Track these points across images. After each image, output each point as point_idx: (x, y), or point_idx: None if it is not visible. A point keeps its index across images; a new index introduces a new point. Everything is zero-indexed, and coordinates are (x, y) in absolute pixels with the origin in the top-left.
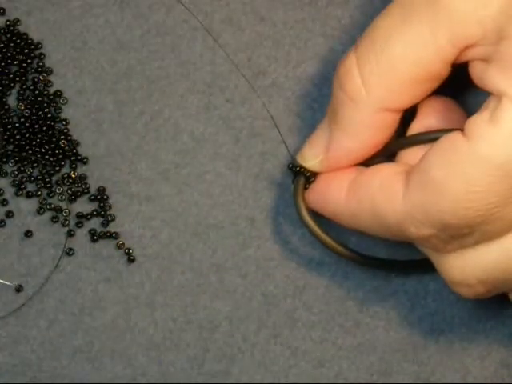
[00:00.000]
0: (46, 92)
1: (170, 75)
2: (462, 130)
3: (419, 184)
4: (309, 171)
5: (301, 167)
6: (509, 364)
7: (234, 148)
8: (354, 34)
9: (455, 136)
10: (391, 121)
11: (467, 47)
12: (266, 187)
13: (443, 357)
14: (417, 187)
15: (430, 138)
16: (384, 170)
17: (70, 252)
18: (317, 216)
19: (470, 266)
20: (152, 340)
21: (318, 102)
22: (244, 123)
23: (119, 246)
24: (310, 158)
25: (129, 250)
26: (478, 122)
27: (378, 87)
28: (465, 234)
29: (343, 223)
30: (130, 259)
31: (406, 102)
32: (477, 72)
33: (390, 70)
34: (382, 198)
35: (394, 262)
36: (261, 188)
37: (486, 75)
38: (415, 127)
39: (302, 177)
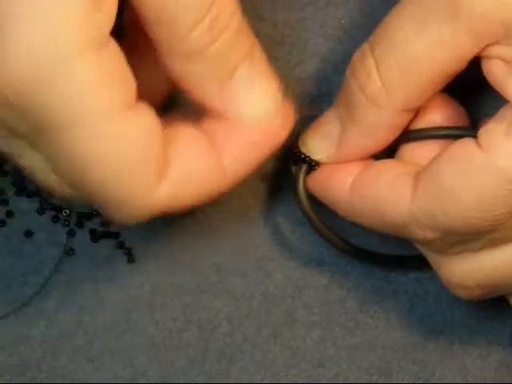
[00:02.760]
0: None
1: None
2: (469, 132)
3: (429, 190)
4: (313, 160)
5: (306, 155)
6: (509, 364)
7: None
8: (354, 34)
9: (469, 145)
10: (409, 119)
11: (489, 44)
12: (265, 187)
13: (443, 357)
14: (426, 192)
15: (437, 134)
16: (391, 170)
17: (70, 252)
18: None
19: (470, 270)
20: (152, 340)
21: (318, 101)
22: None
23: (119, 246)
24: (319, 152)
25: (129, 249)
26: (495, 134)
27: (400, 90)
28: (470, 239)
29: (342, 215)
30: (130, 259)
31: (425, 100)
32: (494, 73)
33: (412, 73)
34: (387, 199)
35: (386, 256)
36: (261, 188)
37: (507, 81)
38: (418, 122)
39: (306, 164)
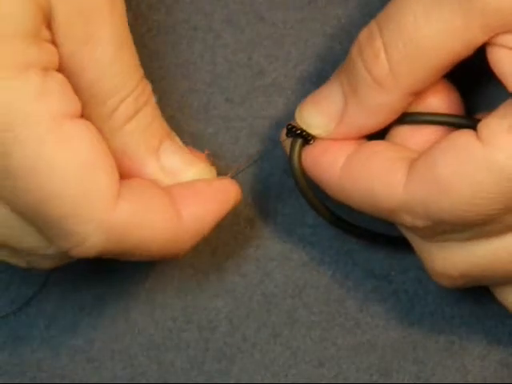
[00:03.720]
0: None
1: (169, 75)
2: (466, 121)
3: (424, 178)
4: (309, 134)
5: (302, 130)
6: (509, 364)
7: (234, 148)
8: (354, 34)
9: (468, 137)
10: (411, 102)
11: (499, 34)
12: (265, 187)
13: (443, 357)
14: (420, 181)
15: (434, 120)
16: (384, 153)
17: None
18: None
19: (454, 259)
20: (152, 340)
21: None
22: (244, 123)
23: None
24: (318, 127)
25: None
26: (497, 130)
27: (408, 74)
28: (459, 230)
29: (331, 194)
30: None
31: (429, 84)
32: (501, 62)
33: (420, 59)
34: (380, 183)
35: (375, 234)
36: (261, 187)
37: None
38: (415, 105)
39: (301, 138)
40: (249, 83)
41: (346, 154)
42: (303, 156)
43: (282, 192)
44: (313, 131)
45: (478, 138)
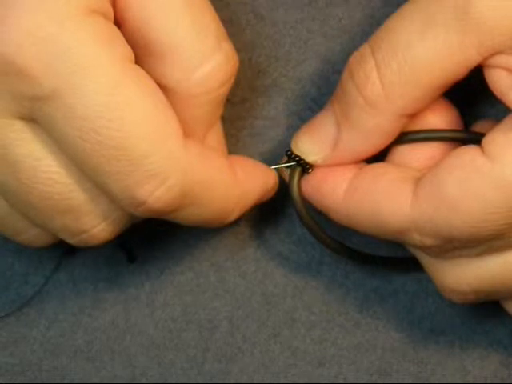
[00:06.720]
0: None
1: None
2: (465, 135)
3: (431, 196)
4: (307, 162)
5: (300, 157)
6: (509, 364)
7: (234, 148)
8: (354, 34)
9: (474, 153)
10: (406, 124)
11: (493, 54)
12: None
13: (443, 357)
14: (428, 199)
15: (432, 136)
16: (387, 175)
17: (70, 252)
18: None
19: (466, 275)
20: (152, 340)
21: (318, 102)
22: (244, 123)
23: (120, 246)
24: (314, 154)
25: (129, 249)
26: (503, 144)
27: (401, 96)
28: (469, 246)
29: (336, 219)
30: (131, 259)
31: (424, 105)
32: (498, 83)
33: (413, 79)
34: (386, 203)
35: (380, 258)
36: None
37: (511, 92)
38: (412, 124)
39: (300, 167)
40: (249, 83)
41: (348, 179)
42: (303, 184)
43: (282, 192)
44: (309, 159)
45: (484, 153)
